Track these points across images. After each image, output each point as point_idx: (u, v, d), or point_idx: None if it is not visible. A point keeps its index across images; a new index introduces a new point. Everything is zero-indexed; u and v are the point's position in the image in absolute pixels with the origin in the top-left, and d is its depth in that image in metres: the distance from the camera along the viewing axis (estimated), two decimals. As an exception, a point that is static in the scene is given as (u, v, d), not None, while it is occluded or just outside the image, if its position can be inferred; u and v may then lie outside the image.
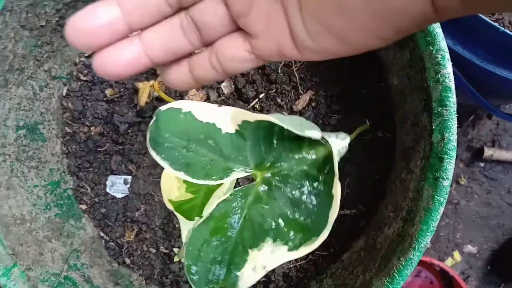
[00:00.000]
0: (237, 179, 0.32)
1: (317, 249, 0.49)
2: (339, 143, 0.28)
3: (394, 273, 0.34)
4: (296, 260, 0.49)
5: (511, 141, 0.87)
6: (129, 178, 0.55)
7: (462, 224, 0.88)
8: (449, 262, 0.88)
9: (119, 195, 0.55)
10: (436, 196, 0.34)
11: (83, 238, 0.53)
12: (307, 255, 0.50)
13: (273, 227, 0.25)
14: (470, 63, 0.49)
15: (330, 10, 0.20)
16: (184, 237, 0.36)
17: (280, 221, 0.25)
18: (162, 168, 0.53)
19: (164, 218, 0.53)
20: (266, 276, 0.49)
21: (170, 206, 0.36)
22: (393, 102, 0.48)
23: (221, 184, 0.37)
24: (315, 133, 0.25)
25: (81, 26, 0.22)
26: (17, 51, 0.46)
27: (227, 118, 0.25)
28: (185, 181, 0.39)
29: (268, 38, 0.23)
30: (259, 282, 0.50)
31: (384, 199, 0.46)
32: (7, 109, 0.47)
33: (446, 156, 0.34)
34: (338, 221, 0.49)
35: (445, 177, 0.34)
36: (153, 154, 0.25)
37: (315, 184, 0.25)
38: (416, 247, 0.34)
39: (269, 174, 0.26)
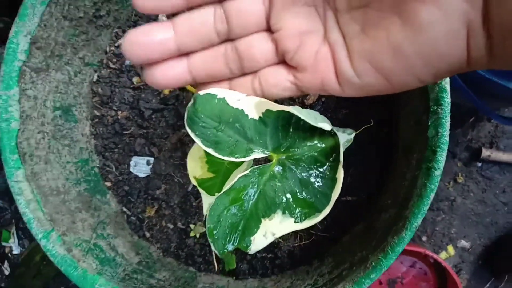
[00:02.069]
0: (255, 159, 0.37)
1: (319, 231, 0.55)
2: (345, 137, 0.33)
3: (388, 250, 0.39)
4: (300, 240, 0.55)
5: (508, 143, 0.91)
6: (151, 159, 0.60)
7: (457, 220, 0.93)
8: (443, 255, 0.93)
9: (141, 175, 0.60)
10: (428, 184, 0.38)
11: (108, 212, 0.58)
12: (310, 237, 0.55)
13: (283, 201, 0.29)
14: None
15: (383, 54, 0.23)
16: (205, 210, 0.41)
17: (290, 197, 0.29)
18: (182, 152, 0.58)
19: (182, 197, 0.59)
20: (273, 253, 0.55)
21: (194, 182, 0.41)
22: (399, 101, 0.52)
23: (240, 164, 0.42)
24: (326, 125, 0.29)
25: (138, 41, 0.25)
26: (58, 39, 0.51)
27: (253, 106, 0.30)
28: (207, 162, 0.44)
29: (313, 74, 0.26)
30: (267, 258, 0.55)
31: (383, 188, 0.51)
32: (47, 91, 0.52)
33: (438, 149, 0.38)
34: (340, 206, 0.55)
35: (436, 167, 0.38)
36: (189, 131, 0.30)
37: (322, 169, 0.30)
38: (408, 228, 0.39)
39: (284, 157, 0.30)
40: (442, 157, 0.38)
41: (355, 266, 0.42)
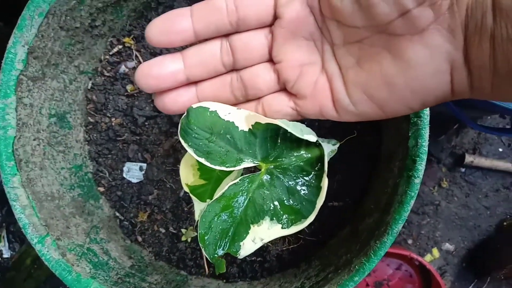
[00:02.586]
0: (245, 168, 0.39)
1: (307, 236, 0.57)
2: (329, 147, 0.35)
3: (371, 254, 0.41)
4: (288, 244, 0.57)
5: (490, 149, 0.95)
6: (144, 165, 0.62)
7: (442, 224, 0.96)
8: (428, 258, 0.96)
9: (134, 180, 0.62)
10: (408, 191, 0.41)
11: (101, 217, 0.60)
12: (298, 240, 0.57)
13: (271, 208, 0.31)
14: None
15: (376, 85, 0.25)
16: (197, 215, 0.43)
17: (277, 204, 0.31)
18: (175, 158, 0.60)
19: (174, 202, 0.60)
20: (262, 256, 0.57)
21: (186, 189, 0.43)
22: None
23: (231, 172, 0.43)
24: (311, 137, 0.31)
25: (150, 74, 0.27)
26: (54, 48, 0.53)
27: (243, 119, 0.32)
28: (199, 169, 0.46)
29: (312, 101, 0.28)
30: (256, 261, 0.57)
31: (367, 194, 0.54)
32: (43, 99, 0.54)
33: (418, 158, 0.41)
34: (327, 211, 0.57)
35: (416, 176, 0.41)
36: (182, 141, 0.31)
37: (308, 178, 0.32)
38: (390, 233, 0.41)
39: (272, 166, 0.32)
40: (421, 166, 0.41)
41: (340, 269, 0.44)
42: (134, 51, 0.62)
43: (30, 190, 0.49)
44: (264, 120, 0.31)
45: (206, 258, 0.57)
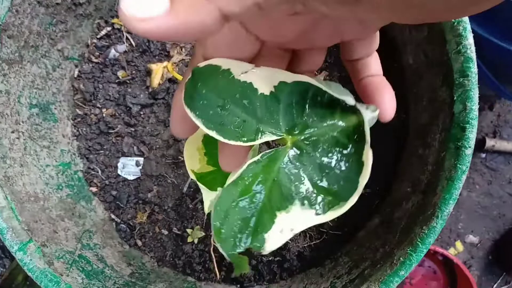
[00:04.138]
0: (263, 144, 0.32)
1: (330, 229, 0.50)
2: (368, 114, 0.28)
3: (417, 242, 0.34)
4: (310, 239, 0.50)
5: (511, 132, 0.89)
6: (141, 160, 0.55)
7: (464, 215, 0.89)
8: (451, 252, 0.89)
9: (130, 177, 0.55)
10: (458, 165, 0.34)
11: (94, 220, 0.52)
12: (321, 235, 0.50)
13: (302, 191, 0.25)
14: (487, 42, 0.49)
15: None
16: (207, 207, 0.36)
17: (309, 185, 0.25)
18: (175, 150, 0.53)
19: (177, 199, 0.53)
20: (281, 255, 0.50)
21: (193, 176, 0.36)
22: (407, 82, 0.48)
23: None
24: (349, 99, 0.25)
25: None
26: (32, 27, 0.46)
27: (264, 78, 0.25)
28: (206, 153, 0.39)
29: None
30: (274, 261, 0.50)
31: (399, 177, 0.47)
32: (21, 86, 0.47)
33: (468, 125, 0.34)
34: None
35: (467, 146, 0.34)
36: (188, 111, 0.25)
37: (345, 151, 0.25)
38: (439, 215, 0.34)
39: (299, 139, 0.26)
40: (472, 133, 0.34)
41: (379, 264, 0.37)
42: (124, 33, 0.56)
43: (8, 190, 0.41)
44: (290, 78, 0.24)
45: (217, 261, 0.50)
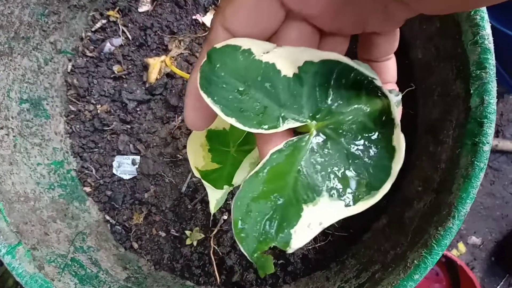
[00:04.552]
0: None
1: (336, 230, 0.48)
2: (393, 98, 0.26)
3: (432, 244, 0.33)
4: (314, 241, 0.48)
5: (514, 132, 0.87)
6: (137, 158, 0.52)
7: (466, 215, 0.88)
8: (454, 253, 0.88)
9: (126, 176, 0.52)
10: (476, 162, 0.32)
11: (88, 221, 0.50)
12: (326, 237, 0.48)
13: (329, 181, 0.22)
14: (498, 33, 0.47)
15: None
16: (213, 207, 0.34)
17: (336, 175, 0.23)
18: (173, 148, 0.51)
19: (175, 199, 0.51)
20: (284, 258, 0.47)
21: (197, 174, 0.34)
22: (415, 77, 0.47)
23: (251, 150, 0.35)
24: (378, 81, 0.23)
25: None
26: (23, 18, 0.44)
27: (288, 59, 0.23)
28: (210, 150, 0.37)
29: None
30: (277, 264, 0.47)
31: (408, 176, 0.45)
32: (11, 80, 0.44)
33: (486, 120, 0.32)
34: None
35: (485, 142, 0.32)
36: (204, 96, 0.22)
37: (373, 137, 0.23)
38: (456, 216, 0.32)
39: (323, 126, 0.24)
40: (490, 129, 0.32)
41: (391, 267, 0.35)
42: (120, 26, 0.53)
43: (-4, 189, 0.39)
44: (318, 55, 0.22)
45: (217, 264, 0.48)
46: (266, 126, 0.22)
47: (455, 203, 0.33)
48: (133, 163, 0.52)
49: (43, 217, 0.44)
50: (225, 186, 0.33)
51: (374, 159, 0.22)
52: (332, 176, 0.22)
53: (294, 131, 0.24)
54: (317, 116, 0.23)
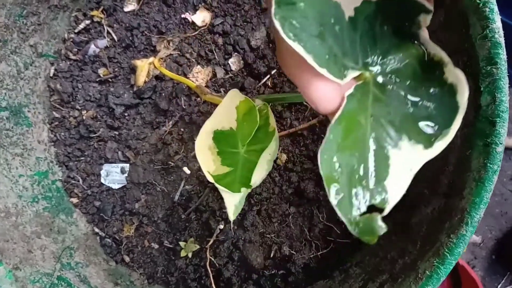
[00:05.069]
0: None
1: (338, 237, 0.46)
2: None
3: (445, 252, 0.30)
4: (316, 249, 0.45)
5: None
6: (127, 166, 0.50)
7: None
8: (454, 253, 0.86)
9: (115, 186, 0.50)
10: (489, 164, 0.30)
11: (76, 235, 0.47)
12: (328, 244, 0.46)
13: (403, 125, 0.21)
14: (504, 26, 0.45)
15: None
16: (231, 212, 0.32)
17: (404, 119, 0.21)
18: (165, 154, 0.48)
19: (168, 209, 0.48)
20: (285, 268, 0.45)
21: (210, 178, 0.32)
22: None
23: (263, 147, 0.32)
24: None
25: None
26: (-2, 19, 0.41)
27: None
28: (219, 153, 0.34)
29: None
30: (277, 275, 0.45)
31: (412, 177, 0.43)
32: (-13, 86, 0.41)
33: (498, 119, 0.30)
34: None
35: (498, 142, 0.30)
36: (280, 29, 0.18)
37: (428, 79, 0.21)
38: (469, 222, 0.30)
39: (377, 72, 0.22)
40: (503, 128, 0.30)
41: (400, 278, 0.33)
42: (105, 26, 0.50)
43: (-28, 205, 0.36)
44: None
45: (214, 276, 0.45)
46: (340, 75, 0.20)
47: (468, 208, 0.30)
48: (122, 171, 0.49)
49: (26, 233, 0.41)
50: (243, 189, 0.31)
51: (436, 98, 0.21)
52: (400, 120, 0.21)
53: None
54: (370, 64, 0.22)
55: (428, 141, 0.20)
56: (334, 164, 0.20)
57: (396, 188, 0.20)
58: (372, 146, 0.21)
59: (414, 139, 0.20)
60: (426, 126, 0.21)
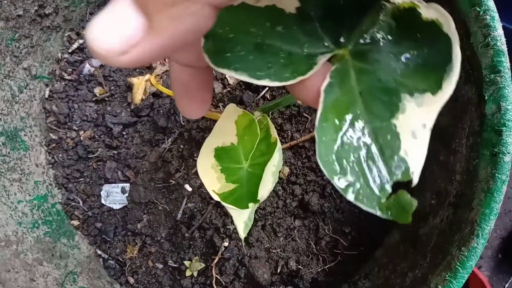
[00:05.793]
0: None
1: (345, 249, 0.45)
2: None
3: (457, 266, 0.30)
4: (324, 263, 0.45)
5: None
6: (127, 186, 0.49)
7: (469, 213, 0.86)
8: (460, 253, 0.86)
9: (116, 206, 0.49)
10: (497, 174, 0.30)
11: (78, 258, 0.46)
12: (336, 257, 0.45)
13: (399, 84, 0.20)
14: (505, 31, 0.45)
15: None
16: (241, 230, 0.31)
17: (401, 75, 0.20)
18: (165, 172, 0.47)
19: (171, 228, 0.47)
20: (292, 284, 0.44)
21: (216, 197, 0.31)
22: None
23: (267, 159, 0.31)
24: None
25: None
26: (-10, 45, 0.40)
27: None
28: (222, 170, 0.34)
29: None
30: (285, 290, 0.44)
31: (418, 187, 0.42)
32: (-19, 113, 0.41)
33: (504, 128, 0.30)
34: (365, 216, 0.45)
35: (505, 152, 0.30)
36: (223, 71, 0.20)
37: (408, 25, 0.20)
38: (480, 234, 0.30)
39: (353, 47, 0.21)
40: (510, 137, 0.30)
41: (412, 292, 0.33)
42: (99, 45, 0.50)
43: (-29, 237, 0.35)
44: None
45: (221, 295, 0.44)
46: (302, 71, 0.20)
47: (478, 220, 0.30)
48: (123, 191, 0.49)
49: (27, 261, 0.40)
50: (251, 204, 0.30)
51: (424, 42, 0.19)
52: (394, 79, 0.20)
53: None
54: (342, 40, 0.21)
55: (434, 85, 0.19)
56: (337, 161, 0.19)
57: (414, 153, 0.19)
58: (374, 123, 0.20)
59: (417, 91, 0.19)
60: (427, 71, 0.19)
